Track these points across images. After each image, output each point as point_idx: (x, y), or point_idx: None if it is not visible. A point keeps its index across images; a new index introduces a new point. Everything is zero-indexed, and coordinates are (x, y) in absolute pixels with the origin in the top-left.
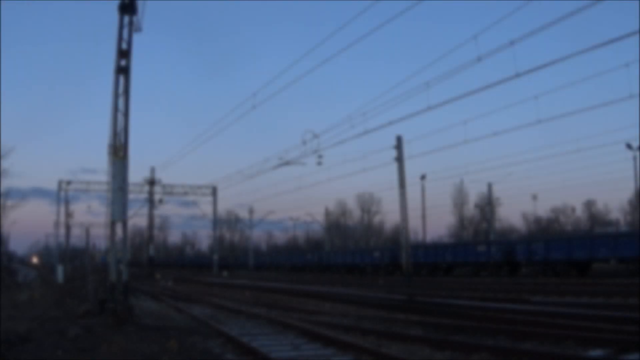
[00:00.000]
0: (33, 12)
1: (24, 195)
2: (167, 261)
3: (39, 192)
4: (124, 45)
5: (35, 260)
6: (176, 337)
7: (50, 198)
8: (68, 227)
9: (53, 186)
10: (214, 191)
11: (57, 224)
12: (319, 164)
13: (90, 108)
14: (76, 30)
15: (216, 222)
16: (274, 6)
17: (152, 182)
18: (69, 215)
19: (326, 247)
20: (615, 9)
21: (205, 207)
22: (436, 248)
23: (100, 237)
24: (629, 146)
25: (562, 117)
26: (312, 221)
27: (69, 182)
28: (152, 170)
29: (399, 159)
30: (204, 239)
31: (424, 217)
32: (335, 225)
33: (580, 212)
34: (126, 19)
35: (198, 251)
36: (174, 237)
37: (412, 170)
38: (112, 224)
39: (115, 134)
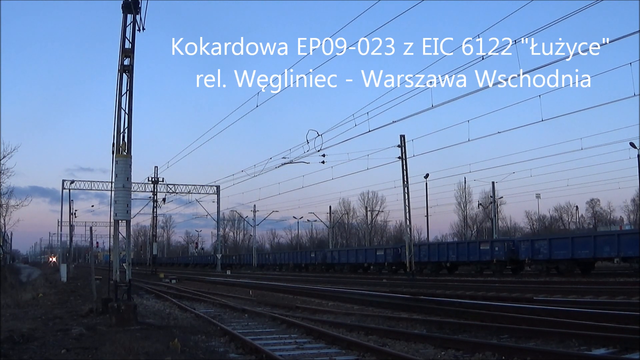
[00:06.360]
0: (34, 12)
1: (22, 194)
2: (170, 260)
3: (37, 191)
4: (127, 44)
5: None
6: (180, 336)
7: (48, 197)
8: (71, 227)
9: (51, 185)
10: (218, 190)
11: (60, 223)
12: (323, 163)
13: (88, 107)
14: (76, 30)
15: (219, 221)
16: (277, 5)
17: (155, 181)
18: (72, 214)
19: (330, 246)
20: (619, 9)
21: (209, 206)
22: (439, 247)
23: (103, 236)
24: (632, 145)
25: (565, 116)
26: (316, 220)
27: (72, 181)
28: (156, 169)
29: (403, 158)
30: (207, 237)
31: (427, 215)
32: (339, 224)
33: (583, 210)
34: (130, 17)
35: (201, 250)
36: (177, 236)
37: (415, 169)
38: (116, 223)
39: (118, 132)
